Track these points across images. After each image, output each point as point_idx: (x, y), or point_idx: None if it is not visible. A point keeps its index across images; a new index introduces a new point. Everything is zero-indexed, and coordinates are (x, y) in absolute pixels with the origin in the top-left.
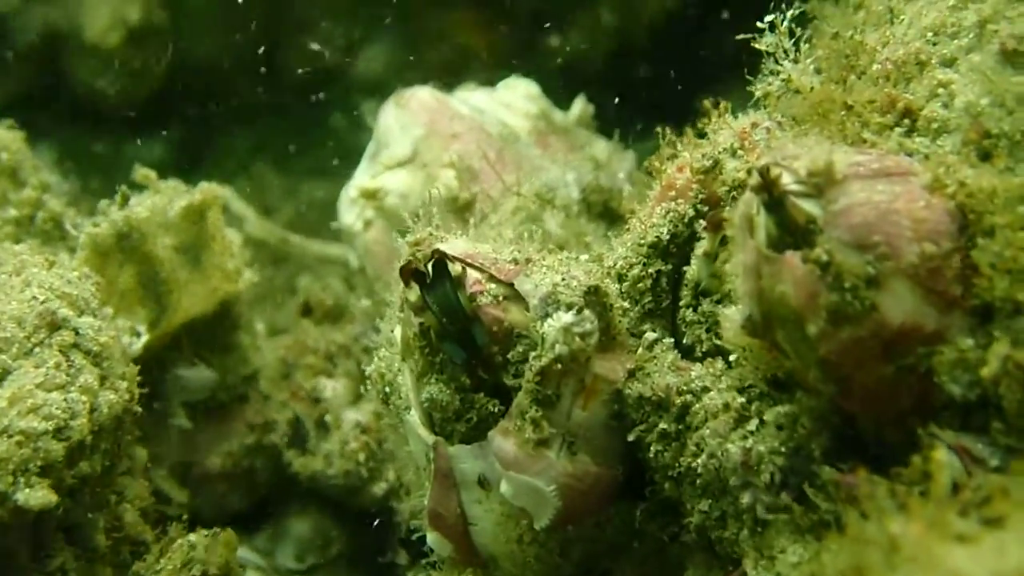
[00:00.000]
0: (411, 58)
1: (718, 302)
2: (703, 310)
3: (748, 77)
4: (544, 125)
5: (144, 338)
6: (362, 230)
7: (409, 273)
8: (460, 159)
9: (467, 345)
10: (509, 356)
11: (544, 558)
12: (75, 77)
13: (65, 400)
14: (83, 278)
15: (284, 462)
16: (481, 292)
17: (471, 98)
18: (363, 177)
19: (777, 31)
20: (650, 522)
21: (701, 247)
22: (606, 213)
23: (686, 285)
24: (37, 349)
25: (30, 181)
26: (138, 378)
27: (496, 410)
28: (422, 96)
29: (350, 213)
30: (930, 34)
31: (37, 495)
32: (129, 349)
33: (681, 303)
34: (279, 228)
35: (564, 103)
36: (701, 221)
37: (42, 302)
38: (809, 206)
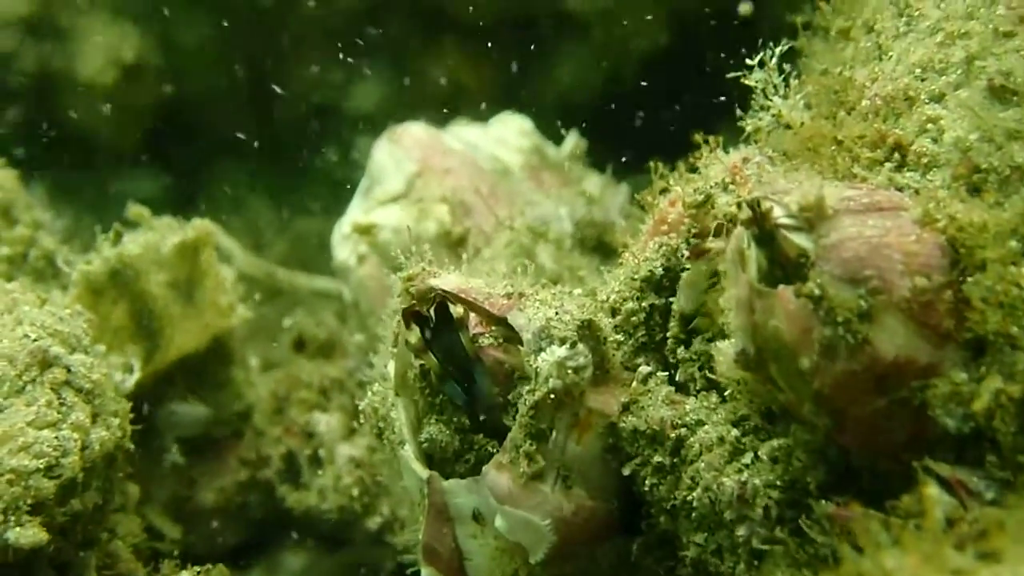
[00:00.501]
0: (403, 95)
1: (710, 340)
2: (695, 349)
3: (739, 113)
4: (537, 160)
5: (137, 374)
6: (356, 265)
7: (411, 314)
8: (453, 194)
9: (466, 386)
10: (510, 397)
11: None
12: (69, 115)
13: (56, 438)
14: (75, 315)
15: (278, 497)
16: (483, 334)
17: (464, 133)
18: (356, 212)
19: (766, 67)
20: (646, 556)
21: (685, 277)
22: (599, 247)
23: (673, 316)
24: (29, 387)
25: (23, 219)
26: (131, 415)
27: (495, 451)
28: (415, 132)
29: (343, 248)
30: (918, 70)
31: (28, 534)
32: (122, 386)
33: (669, 335)
34: (265, 263)
35: (557, 139)
36: (685, 252)
37: (34, 340)
38: (800, 240)
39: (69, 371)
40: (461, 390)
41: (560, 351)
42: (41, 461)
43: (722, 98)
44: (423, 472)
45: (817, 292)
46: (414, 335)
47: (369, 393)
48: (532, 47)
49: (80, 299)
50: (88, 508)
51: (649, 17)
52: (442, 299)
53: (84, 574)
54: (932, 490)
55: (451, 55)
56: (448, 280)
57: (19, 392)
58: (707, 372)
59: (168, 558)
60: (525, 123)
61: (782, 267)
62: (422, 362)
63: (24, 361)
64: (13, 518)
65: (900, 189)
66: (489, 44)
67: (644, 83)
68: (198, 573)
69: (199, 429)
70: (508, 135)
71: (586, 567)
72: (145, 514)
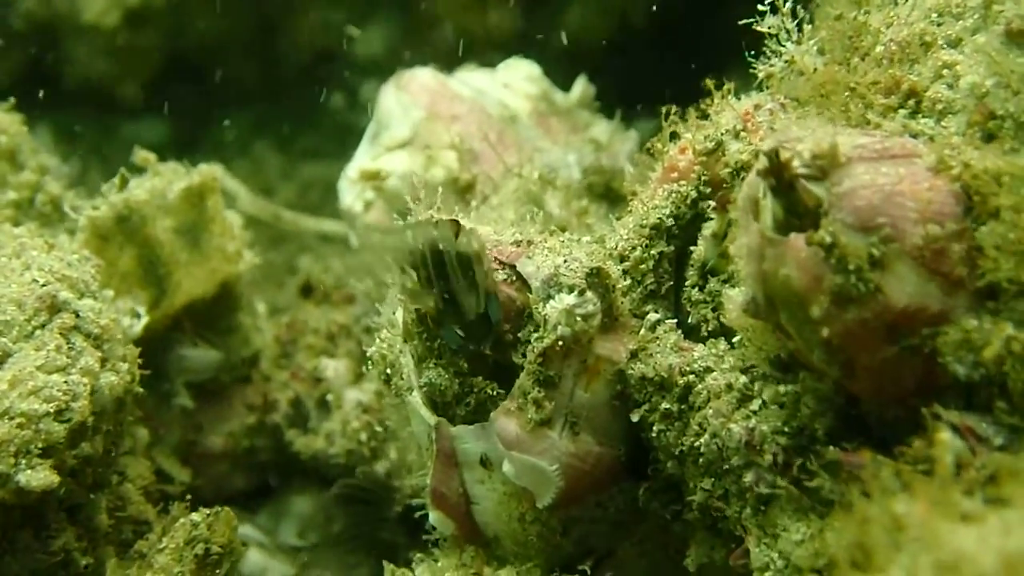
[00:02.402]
0: (410, 39)
1: (724, 281)
2: (709, 289)
3: (750, 59)
4: (545, 106)
5: (144, 319)
6: (362, 211)
7: (407, 254)
8: (461, 141)
9: (469, 325)
10: (519, 335)
11: (546, 537)
12: (73, 58)
13: (66, 382)
14: (83, 260)
15: (286, 441)
16: (496, 270)
17: (472, 79)
18: (364, 159)
19: (780, 12)
20: (652, 501)
21: (709, 228)
22: (607, 194)
23: (692, 265)
24: (38, 332)
25: (29, 164)
26: (139, 360)
27: (495, 393)
28: (423, 78)
29: (350, 194)
30: (934, 15)
31: (39, 476)
32: (130, 331)
33: (687, 283)
34: (271, 204)
35: (565, 84)
36: (709, 202)
37: (42, 285)
38: (813, 188)
39: (78, 316)
40: (457, 334)
41: (569, 299)
42: (51, 405)
43: (734, 43)
44: (431, 418)
45: (829, 240)
46: (410, 280)
47: (377, 340)
48: None
49: (87, 244)
50: (98, 452)
51: None
52: (456, 228)
53: (94, 516)
54: (944, 435)
55: (459, 0)
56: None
57: (28, 337)
58: (719, 316)
59: (178, 500)
60: (533, 69)
61: (798, 216)
62: (418, 307)
63: (33, 306)
64: (24, 461)
65: (914, 136)
66: None
67: (653, 27)
68: (207, 516)
69: (210, 374)
70: (516, 81)
71: (593, 512)
72: (154, 457)
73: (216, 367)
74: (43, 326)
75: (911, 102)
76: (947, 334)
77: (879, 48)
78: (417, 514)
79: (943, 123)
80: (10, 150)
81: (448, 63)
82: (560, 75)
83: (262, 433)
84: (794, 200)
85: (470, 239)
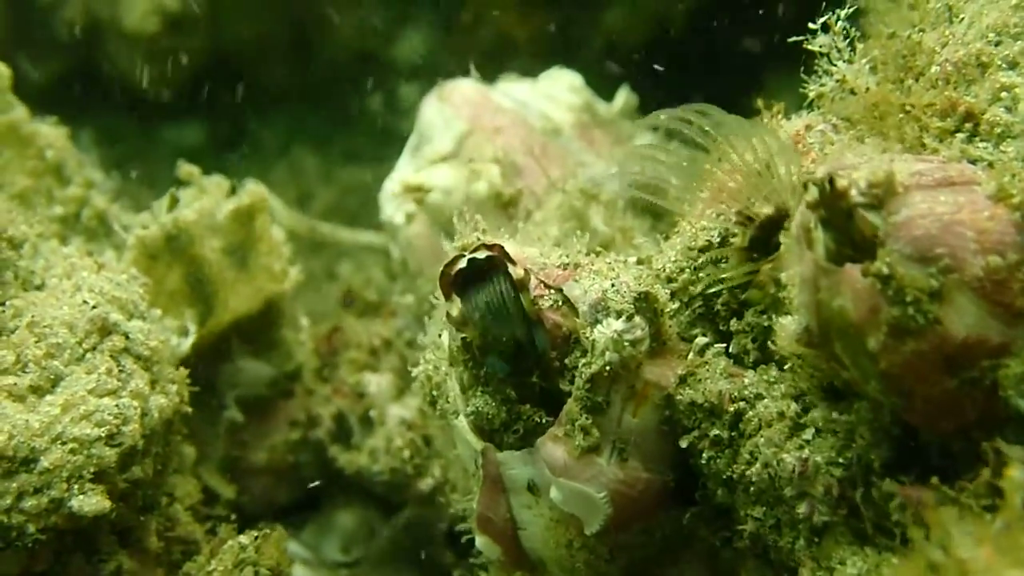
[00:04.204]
0: (449, 43)
1: (763, 312)
2: (748, 320)
3: (803, 77)
4: (588, 118)
5: (192, 338)
6: (404, 224)
7: (448, 284)
8: (504, 154)
9: (515, 353)
10: (566, 361)
11: (593, 563)
12: (114, 64)
13: (117, 406)
14: (131, 280)
15: (329, 457)
16: (543, 296)
17: (513, 90)
18: (406, 171)
19: (831, 32)
20: (701, 527)
21: (734, 241)
22: (651, 207)
23: (720, 281)
24: (89, 355)
25: (75, 178)
26: (187, 380)
27: (543, 421)
28: (465, 90)
29: (391, 206)
30: (992, 34)
31: (91, 502)
32: (177, 349)
33: (719, 301)
34: (308, 219)
35: (606, 92)
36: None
37: (93, 307)
38: (871, 218)
39: (128, 338)
40: (504, 362)
41: (617, 324)
42: (103, 429)
43: (777, 53)
44: (478, 444)
45: (885, 271)
46: (455, 307)
47: (422, 360)
48: None
49: (135, 262)
50: (148, 474)
51: None
52: (499, 254)
53: (144, 538)
54: (1016, 473)
55: (498, 3)
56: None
57: (80, 360)
58: (762, 345)
59: (225, 522)
60: (575, 79)
61: (853, 245)
62: (463, 335)
63: (84, 328)
64: (76, 486)
65: (973, 161)
66: None
67: (694, 35)
68: (255, 538)
69: (261, 388)
70: (558, 92)
71: (641, 538)
72: (200, 474)
73: (268, 381)
74: (94, 348)
75: (968, 125)
76: (1008, 367)
77: (934, 68)
78: (464, 538)
79: (1002, 148)
80: (56, 164)
81: (488, 65)
82: (601, 83)
83: (306, 448)
84: (849, 229)
85: (514, 266)
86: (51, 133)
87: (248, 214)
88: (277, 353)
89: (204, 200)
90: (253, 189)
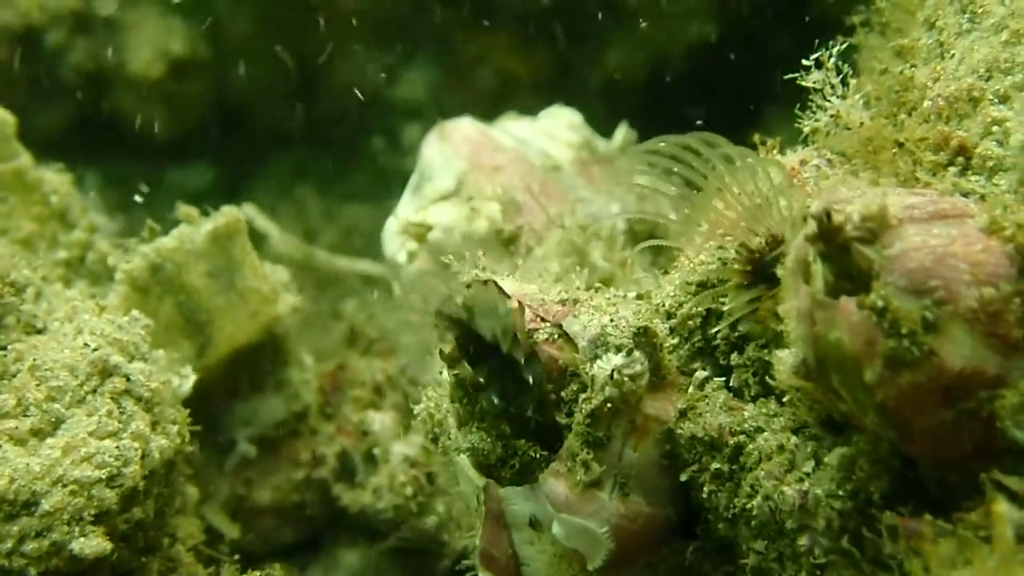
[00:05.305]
0: (450, 83)
1: (763, 346)
2: (748, 355)
3: (797, 113)
4: (587, 155)
5: (192, 378)
6: (406, 262)
7: (445, 319)
8: (504, 192)
9: (508, 387)
10: (562, 395)
11: None
12: (120, 108)
13: (117, 447)
14: (132, 322)
15: (333, 496)
16: (538, 330)
17: (513, 128)
18: (407, 209)
19: (825, 68)
20: (704, 561)
21: (733, 275)
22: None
23: (725, 316)
24: (89, 397)
25: (79, 223)
26: (189, 419)
27: (538, 456)
28: (464, 128)
29: (394, 244)
30: (982, 69)
31: (92, 544)
32: (179, 390)
33: (718, 335)
34: (303, 244)
35: (605, 129)
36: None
37: (94, 349)
38: (866, 251)
39: (128, 380)
40: (497, 399)
41: (616, 359)
42: (103, 471)
43: (772, 92)
44: (479, 480)
45: (880, 304)
46: (448, 345)
47: (424, 398)
48: (580, 35)
49: (127, 298)
50: (149, 515)
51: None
52: (492, 287)
53: None
54: (1002, 506)
55: (498, 42)
56: (504, 286)
57: (80, 402)
58: (762, 379)
59: (229, 563)
60: (574, 116)
61: (851, 279)
62: (456, 372)
63: (85, 371)
64: (77, 528)
65: (965, 194)
66: (536, 31)
67: (692, 73)
68: None
69: (271, 426)
70: (558, 129)
71: (644, 573)
72: (204, 514)
73: (278, 420)
74: (95, 391)
75: (960, 159)
76: (1004, 397)
77: (926, 103)
78: (467, 575)
79: (994, 181)
80: (61, 210)
81: (488, 105)
82: (600, 120)
83: (310, 487)
84: (845, 263)
85: (507, 301)
86: (55, 179)
87: (226, 235)
88: (285, 393)
89: (182, 226)
90: (227, 210)
